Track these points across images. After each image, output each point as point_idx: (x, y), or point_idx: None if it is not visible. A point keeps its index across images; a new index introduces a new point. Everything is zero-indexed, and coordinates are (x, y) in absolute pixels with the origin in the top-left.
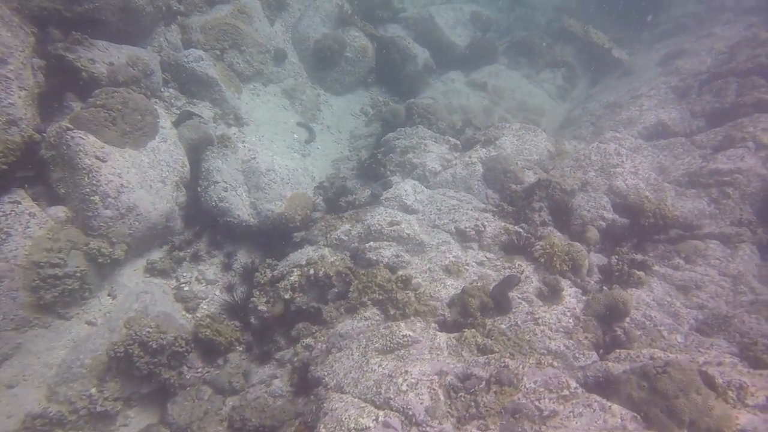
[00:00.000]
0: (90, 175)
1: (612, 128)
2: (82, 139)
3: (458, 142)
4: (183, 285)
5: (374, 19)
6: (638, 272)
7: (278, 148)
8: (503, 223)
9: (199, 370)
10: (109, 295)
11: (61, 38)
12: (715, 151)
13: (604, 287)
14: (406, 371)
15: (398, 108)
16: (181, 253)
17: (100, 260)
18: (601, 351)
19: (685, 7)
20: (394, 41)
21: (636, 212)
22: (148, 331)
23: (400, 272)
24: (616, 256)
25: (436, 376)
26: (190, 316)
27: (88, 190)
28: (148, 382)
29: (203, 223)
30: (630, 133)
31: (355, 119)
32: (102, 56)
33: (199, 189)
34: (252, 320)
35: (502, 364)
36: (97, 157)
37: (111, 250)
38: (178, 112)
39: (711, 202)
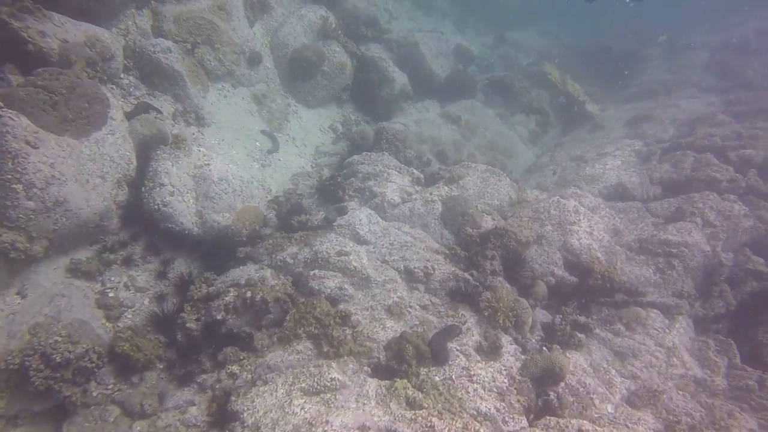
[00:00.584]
0: (15, 161)
1: (575, 182)
2: (12, 119)
3: (422, 176)
4: (108, 290)
5: (358, 36)
6: (579, 335)
7: (237, 155)
8: (453, 268)
9: (110, 387)
10: (17, 294)
11: (9, 2)
12: (667, 221)
13: (545, 347)
14: (327, 421)
15: (367, 130)
16: (112, 256)
17: (12, 255)
18: (532, 416)
19: (657, 74)
20: (374, 62)
21: (586, 272)
22: (56, 341)
23: (341, 306)
24: (561, 316)
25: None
26: (110, 325)
27: (10, 176)
28: (43, 399)
29: (143, 225)
30: (591, 191)
31: (323, 135)
32: (56, 31)
33: (143, 189)
34: (179, 337)
35: (428, 424)
36: (27, 142)
37: (28, 245)
38: (136, 102)
39: (657, 271)
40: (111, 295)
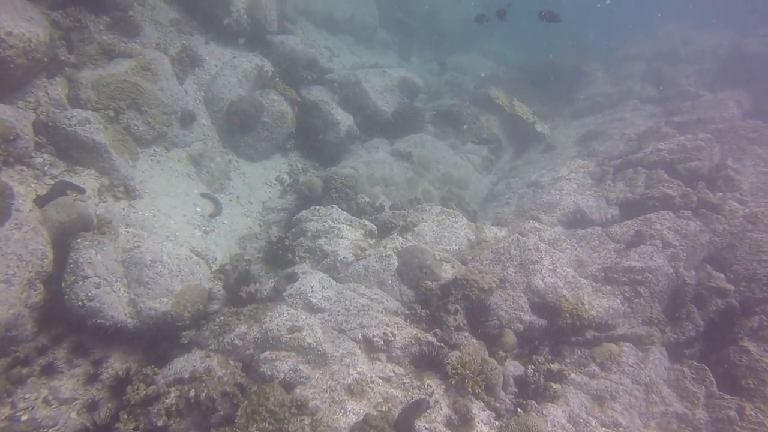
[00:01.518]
0: None
1: (533, 212)
2: None
3: (375, 227)
4: (19, 414)
5: (298, 80)
6: (554, 385)
7: (176, 225)
8: (415, 331)
9: None
10: None
11: None
12: (628, 246)
13: (519, 407)
14: None
15: (315, 181)
16: (25, 370)
17: None
18: None
19: (600, 87)
20: (316, 105)
21: (554, 312)
22: None
23: (297, 391)
24: (533, 366)
25: None
26: None
27: None
28: None
29: (66, 324)
30: (550, 219)
31: (270, 188)
32: None
33: (63, 285)
34: None
35: None
36: None
37: None
38: (52, 182)
39: (624, 300)
40: (24, 419)
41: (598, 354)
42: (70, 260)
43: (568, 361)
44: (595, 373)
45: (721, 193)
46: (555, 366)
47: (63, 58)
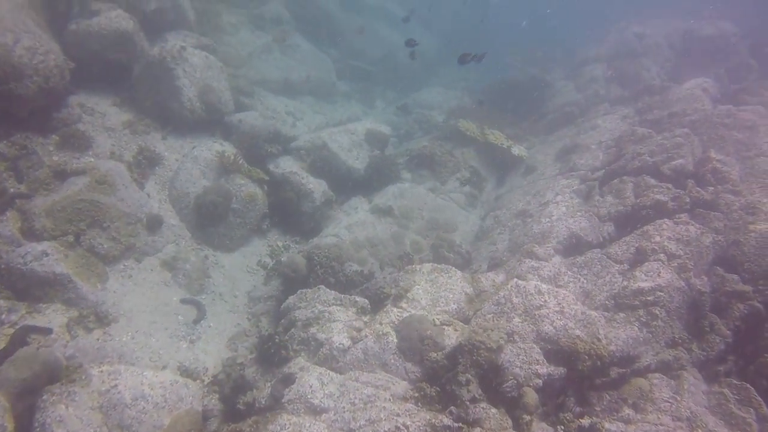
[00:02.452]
0: None
1: (527, 244)
2: None
3: (366, 302)
4: None
5: (263, 155)
6: None
7: (158, 342)
8: (428, 415)
9: None
10: None
11: None
12: (632, 266)
13: None
14: None
15: (298, 260)
16: None
17: None
18: None
19: (567, 95)
20: (287, 179)
21: (571, 357)
22: None
23: None
24: (562, 426)
25: None
26: None
27: None
28: None
29: None
30: (546, 251)
31: (253, 276)
32: None
33: None
34: None
35: None
36: None
37: None
38: (12, 330)
39: (642, 326)
40: None
41: (628, 394)
42: (36, 424)
43: (597, 408)
44: (630, 417)
45: (712, 188)
46: (586, 420)
47: (12, 190)
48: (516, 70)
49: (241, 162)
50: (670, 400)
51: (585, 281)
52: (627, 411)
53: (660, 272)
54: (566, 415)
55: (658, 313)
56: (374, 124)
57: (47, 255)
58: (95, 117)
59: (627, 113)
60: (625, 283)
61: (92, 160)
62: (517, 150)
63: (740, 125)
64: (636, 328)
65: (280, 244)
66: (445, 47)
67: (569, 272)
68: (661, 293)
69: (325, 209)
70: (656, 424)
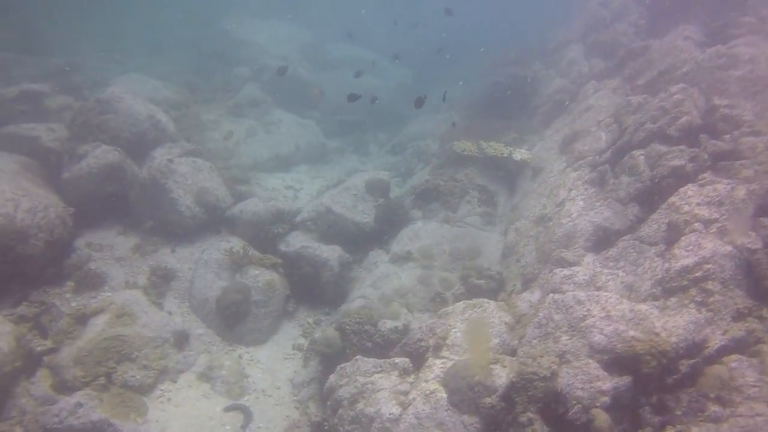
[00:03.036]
0: None
1: (555, 251)
2: None
3: (407, 361)
4: None
5: (272, 238)
6: None
7: None
8: None
9: None
10: None
11: None
12: (669, 245)
13: None
14: None
15: (330, 334)
16: None
17: None
18: None
19: (552, 83)
20: (300, 255)
21: (632, 362)
22: None
23: None
24: None
25: None
26: None
27: None
28: None
29: None
30: (575, 253)
31: (291, 361)
32: None
33: None
34: None
35: None
36: None
37: None
38: None
39: (699, 306)
40: None
41: (708, 387)
42: None
43: (678, 413)
44: (718, 414)
45: (728, 135)
46: (669, 431)
47: (39, 348)
48: (495, 75)
49: (251, 253)
50: (758, 383)
51: (624, 274)
52: (713, 408)
53: (700, 243)
54: (645, 430)
55: (711, 287)
56: (371, 173)
57: (81, 406)
58: (104, 251)
59: (616, 85)
60: (667, 265)
61: (109, 294)
62: (519, 155)
63: (737, 62)
64: (693, 310)
65: (310, 320)
66: (419, 76)
67: (605, 270)
68: (709, 265)
69: (345, 273)
70: (752, 416)
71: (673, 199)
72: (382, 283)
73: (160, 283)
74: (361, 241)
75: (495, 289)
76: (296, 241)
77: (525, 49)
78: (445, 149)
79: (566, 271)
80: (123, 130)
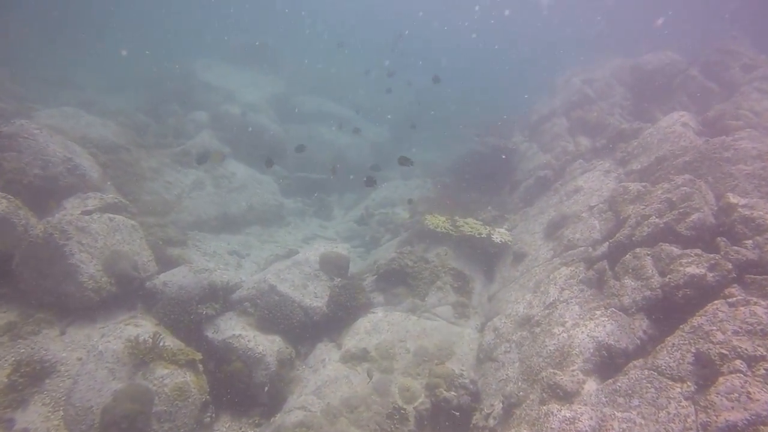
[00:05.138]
0: None
1: (545, 370)
2: None
3: None
4: None
5: (196, 321)
6: None
7: None
8: None
9: None
10: None
11: None
12: (700, 385)
13: None
14: None
15: None
16: None
17: None
18: None
19: (535, 158)
20: (229, 347)
21: None
22: None
23: None
24: None
25: None
26: None
27: None
28: None
29: None
30: (573, 379)
31: None
32: None
33: None
34: None
35: None
36: None
37: None
38: None
39: None
40: None
41: None
42: None
43: None
44: None
45: (750, 241)
46: None
47: None
48: (474, 143)
49: (163, 345)
50: None
51: (642, 421)
52: None
53: (748, 392)
54: None
55: None
56: (327, 246)
57: None
58: None
59: (608, 167)
60: (704, 416)
61: None
62: (499, 236)
63: (744, 156)
64: None
65: None
66: (395, 137)
67: (616, 413)
68: (765, 428)
69: (284, 372)
70: None
71: (699, 320)
72: (328, 389)
73: (25, 384)
74: (308, 329)
75: (467, 406)
76: (228, 327)
77: (505, 119)
78: (416, 222)
79: (566, 412)
80: (27, 172)
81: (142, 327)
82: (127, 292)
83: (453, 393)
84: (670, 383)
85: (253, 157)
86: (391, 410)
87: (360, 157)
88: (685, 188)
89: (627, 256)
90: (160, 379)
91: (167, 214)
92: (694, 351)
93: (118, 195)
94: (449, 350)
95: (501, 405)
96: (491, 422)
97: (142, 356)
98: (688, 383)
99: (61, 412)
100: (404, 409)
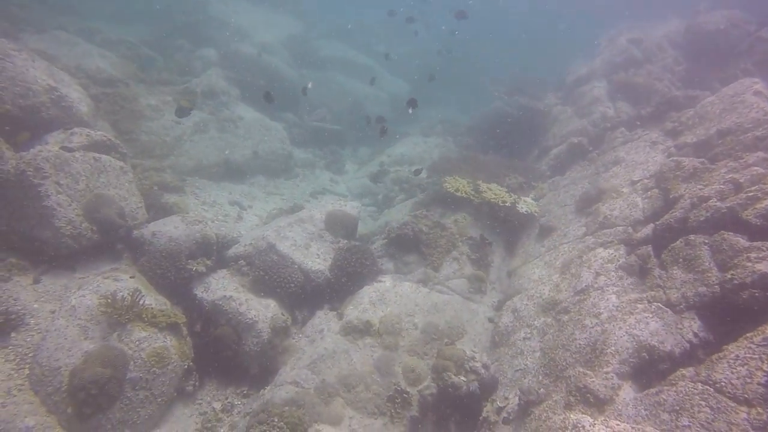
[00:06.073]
0: None
1: (572, 368)
2: None
3: None
4: None
5: (184, 279)
6: None
7: None
8: None
9: None
10: None
11: None
12: None
13: None
14: None
15: None
16: None
17: None
18: None
19: (569, 123)
20: (218, 309)
21: None
22: None
23: None
24: None
25: None
26: None
27: None
28: None
29: None
30: (606, 383)
31: None
32: None
33: None
34: None
35: None
36: None
37: None
38: None
39: None
40: None
41: None
42: None
43: None
44: None
45: None
46: None
47: None
48: (502, 102)
49: (142, 304)
50: None
51: None
52: None
53: None
54: None
55: None
56: (336, 204)
57: None
58: None
59: (655, 138)
60: None
61: None
62: (525, 205)
63: None
64: None
65: (217, 406)
66: (416, 90)
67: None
68: None
69: (277, 341)
70: None
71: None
72: (325, 364)
73: None
74: (308, 294)
75: (477, 394)
76: (219, 286)
77: (539, 78)
78: (434, 183)
79: (601, 428)
80: (3, 99)
81: (123, 282)
82: (112, 241)
83: (462, 378)
84: (733, 405)
85: (263, 102)
86: (392, 392)
87: (378, 110)
88: (756, 168)
89: (678, 242)
90: (137, 343)
91: (166, 158)
92: (767, 369)
93: (110, 133)
94: (461, 329)
95: (517, 400)
96: (504, 418)
97: (118, 316)
98: (759, 410)
99: (27, 371)
100: (407, 393)
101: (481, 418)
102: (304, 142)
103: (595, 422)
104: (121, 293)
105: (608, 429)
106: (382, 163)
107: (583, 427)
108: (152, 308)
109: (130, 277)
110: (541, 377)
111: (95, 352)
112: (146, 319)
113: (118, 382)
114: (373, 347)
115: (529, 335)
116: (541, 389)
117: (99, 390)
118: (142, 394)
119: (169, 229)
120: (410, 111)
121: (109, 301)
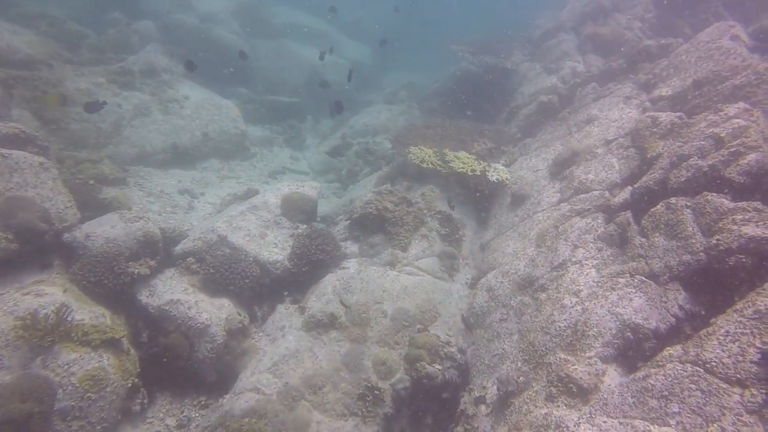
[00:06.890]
0: None
1: (552, 353)
2: None
3: None
4: None
5: (125, 283)
6: None
7: None
8: None
9: None
10: None
11: None
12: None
13: None
14: None
15: None
16: None
17: None
18: None
19: (537, 81)
20: (165, 315)
21: None
22: None
23: None
24: None
25: None
26: None
27: None
28: None
29: None
30: (589, 368)
31: None
32: None
33: None
34: None
35: None
36: None
37: None
38: None
39: None
40: None
41: None
42: None
43: None
44: None
45: None
46: None
47: None
48: (467, 62)
49: (71, 320)
50: None
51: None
52: None
53: None
54: None
55: None
56: (291, 185)
57: None
58: None
59: (629, 92)
60: None
61: None
62: (496, 173)
63: None
64: None
65: (171, 422)
66: (379, 54)
67: (651, 426)
68: None
69: (235, 344)
70: None
71: (761, 297)
72: (288, 365)
73: None
74: (266, 287)
75: (455, 382)
76: (166, 289)
77: (502, 33)
78: (399, 154)
79: (586, 427)
80: None
81: (47, 296)
82: (38, 249)
83: (437, 366)
84: (725, 387)
85: (210, 78)
86: (363, 390)
87: (339, 78)
88: (737, 120)
89: (658, 206)
90: (66, 367)
91: (103, 147)
92: (760, 345)
93: (28, 124)
94: (434, 312)
95: (495, 389)
96: (483, 410)
97: (39, 339)
98: (753, 390)
99: None
100: (379, 389)
101: (458, 410)
102: (259, 119)
103: (580, 421)
104: (44, 311)
105: (594, 428)
106: (344, 136)
107: (567, 427)
108: (84, 324)
109: (63, 291)
110: (519, 363)
111: (11, 384)
112: (76, 338)
113: (43, 417)
114: (339, 341)
115: (505, 316)
116: (521, 377)
117: (16, 430)
118: (76, 425)
119: (106, 229)
120: (336, 115)
121: (27, 322)
